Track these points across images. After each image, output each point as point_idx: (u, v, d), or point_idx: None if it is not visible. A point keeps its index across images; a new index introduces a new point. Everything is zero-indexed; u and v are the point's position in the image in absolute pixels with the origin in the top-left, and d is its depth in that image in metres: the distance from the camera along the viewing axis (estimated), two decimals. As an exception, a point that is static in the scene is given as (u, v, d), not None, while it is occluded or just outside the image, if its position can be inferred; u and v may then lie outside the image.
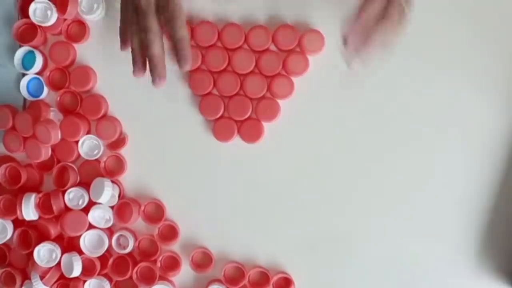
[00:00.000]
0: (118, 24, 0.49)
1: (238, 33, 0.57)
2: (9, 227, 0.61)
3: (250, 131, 0.58)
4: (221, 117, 0.58)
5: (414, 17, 0.50)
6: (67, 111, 0.61)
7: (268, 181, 0.59)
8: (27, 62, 0.60)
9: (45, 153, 0.60)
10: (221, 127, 0.58)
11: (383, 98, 0.57)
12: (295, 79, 0.57)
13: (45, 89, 0.61)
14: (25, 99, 0.62)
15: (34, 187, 0.62)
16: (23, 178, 0.61)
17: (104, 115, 0.61)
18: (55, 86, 0.61)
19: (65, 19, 0.60)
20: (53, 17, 0.58)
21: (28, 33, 0.60)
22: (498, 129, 0.56)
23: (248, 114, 0.58)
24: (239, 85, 0.58)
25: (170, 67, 0.45)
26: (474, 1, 0.55)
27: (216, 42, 0.58)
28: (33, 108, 0.61)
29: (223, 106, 0.58)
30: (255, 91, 0.57)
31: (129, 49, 0.47)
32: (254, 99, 0.57)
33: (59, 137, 0.59)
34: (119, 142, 0.60)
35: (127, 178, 0.61)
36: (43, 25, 0.59)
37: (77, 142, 0.60)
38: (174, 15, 0.45)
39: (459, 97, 0.56)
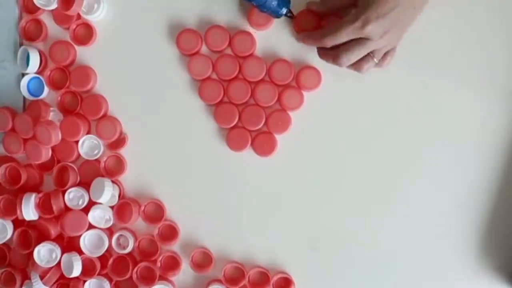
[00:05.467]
0: (117, 23, 0.51)
1: (248, 40, 0.57)
2: (9, 227, 0.61)
3: (264, 144, 0.58)
4: (235, 127, 0.58)
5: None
6: (67, 111, 0.61)
7: (268, 181, 0.59)
8: (30, 61, 0.60)
9: (46, 154, 0.60)
10: (235, 137, 0.58)
11: (384, 100, 0.57)
12: (305, 92, 0.57)
13: (46, 89, 0.61)
14: (25, 100, 0.62)
15: (34, 187, 0.62)
16: (23, 178, 0.61)
17: (104, 115, 0.61)
18: (55, 85, 0.61)
19: (71, 16, 0.59)
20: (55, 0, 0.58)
21: (34, 30, 0.60)
22: (498, 129, 0.56)
23: (261, 124, 0.57)
24: (250, 92, 0.57)
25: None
26: (474, 2, 0.55)
27: (227, 49, 0.58)
28: (33, 108, 0.61)
29: (237, 114, 0.58)
30: (266, 100, 0.57)
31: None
32: (266, 107, 0.57)
33: (60, 138, 0.59)
34: (119, 142, 0.60)
35: (127, 178, 0.61)
36: (46, 8, 0.58)
37: (77, 142, 0.60)
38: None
39: (459, 98, 0.56)
